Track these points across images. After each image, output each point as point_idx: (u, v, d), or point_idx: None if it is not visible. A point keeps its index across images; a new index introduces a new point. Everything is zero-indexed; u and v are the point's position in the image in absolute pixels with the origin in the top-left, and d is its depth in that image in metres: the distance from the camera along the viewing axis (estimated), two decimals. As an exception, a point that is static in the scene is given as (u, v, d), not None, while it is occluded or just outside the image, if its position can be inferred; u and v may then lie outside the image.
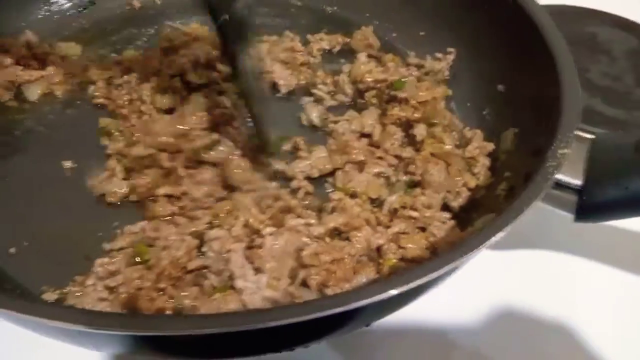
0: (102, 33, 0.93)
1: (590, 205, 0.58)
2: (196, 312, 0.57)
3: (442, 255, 0.50)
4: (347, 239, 0.65)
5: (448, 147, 0.76)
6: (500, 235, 0.50)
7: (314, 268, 0.61)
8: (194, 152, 0.72)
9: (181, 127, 0.74)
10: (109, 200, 0.69)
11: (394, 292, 0.44)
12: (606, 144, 0.60)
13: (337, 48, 0.93)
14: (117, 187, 0.70)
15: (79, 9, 0.95)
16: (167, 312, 0.58)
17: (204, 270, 0.61)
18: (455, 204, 0.71)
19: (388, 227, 0.65)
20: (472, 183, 0.72)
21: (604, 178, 0.57)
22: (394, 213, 0.68)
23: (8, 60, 0.83)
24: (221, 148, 0.73)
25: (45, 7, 0.94)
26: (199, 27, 0.90)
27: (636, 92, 0.93)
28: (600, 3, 1.10)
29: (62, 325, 0.41)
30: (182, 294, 0.59)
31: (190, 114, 0.76)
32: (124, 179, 0.71)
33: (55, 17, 0.94)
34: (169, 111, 0.79)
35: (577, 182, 0.58)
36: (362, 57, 0.89)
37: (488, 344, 0.67)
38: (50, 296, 0.60)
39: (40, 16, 0.93)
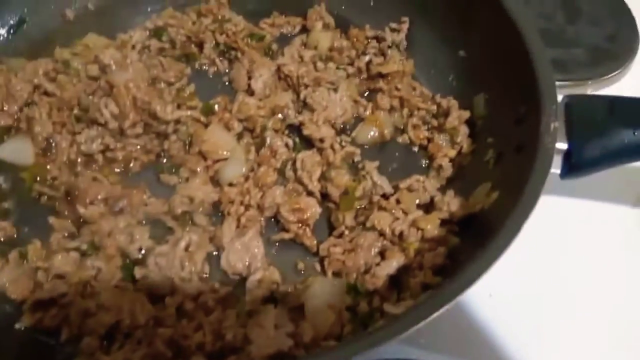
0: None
1: (575, 166, 0.66)
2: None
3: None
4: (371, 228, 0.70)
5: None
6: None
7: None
8: None
9: None
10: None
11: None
12: (580, 108, 0.67)
13: (296, 30, 0.94)
14: None
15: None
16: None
17: None
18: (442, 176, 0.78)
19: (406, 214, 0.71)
20: (452, 153, 0.79)
21: (586, 141, 0.65)
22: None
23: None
24: None
25: None
26: None
27: (568, 29, 0.99)
28: None
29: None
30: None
31: None
32: None
33: None
34: None
35: (563, 146, 0.66)
36: (318, 25, 0.91)
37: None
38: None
39: None
